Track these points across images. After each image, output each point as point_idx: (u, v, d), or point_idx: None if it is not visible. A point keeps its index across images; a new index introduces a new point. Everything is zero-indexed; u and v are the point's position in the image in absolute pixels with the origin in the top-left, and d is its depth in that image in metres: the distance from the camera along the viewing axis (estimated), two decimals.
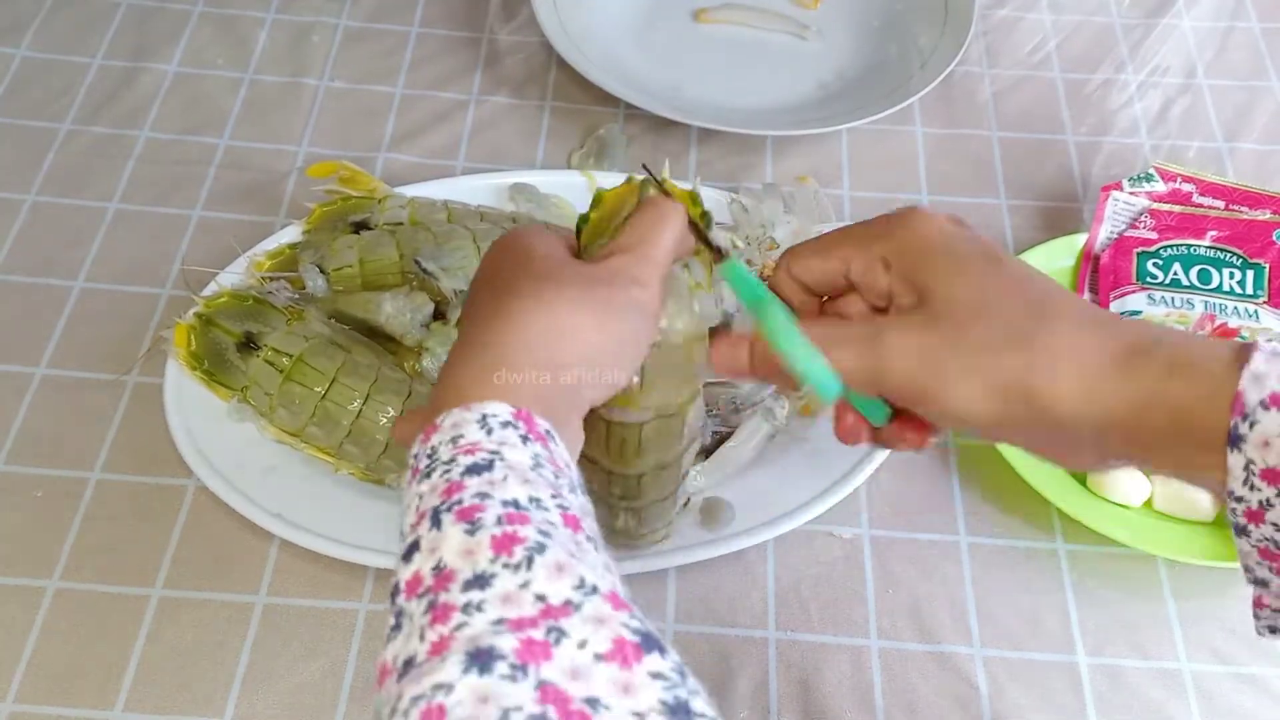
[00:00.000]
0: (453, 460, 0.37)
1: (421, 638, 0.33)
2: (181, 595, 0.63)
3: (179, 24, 0.93)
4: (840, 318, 0.46)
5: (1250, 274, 0.74)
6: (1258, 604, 0.40)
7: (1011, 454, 0.66)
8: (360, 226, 0.74)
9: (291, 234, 0.75)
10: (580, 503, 0.39)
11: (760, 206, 0.76)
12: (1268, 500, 0.37)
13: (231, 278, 0.71)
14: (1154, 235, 0.77)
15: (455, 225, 0.72)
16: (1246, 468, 0.37)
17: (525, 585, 0.33)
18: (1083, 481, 0.67)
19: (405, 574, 0.35)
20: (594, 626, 0.32)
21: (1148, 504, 0.66)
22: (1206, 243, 0.76)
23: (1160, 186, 0.80)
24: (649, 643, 0.32)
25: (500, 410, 0.39)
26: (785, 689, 0.61)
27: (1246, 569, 0.40)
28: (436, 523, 0.36)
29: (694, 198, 0.50)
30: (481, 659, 0.31)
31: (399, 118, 0.87)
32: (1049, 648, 0.63)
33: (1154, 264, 0.75)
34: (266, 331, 0.67)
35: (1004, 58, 0.94)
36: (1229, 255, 0.75)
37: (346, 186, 0.76)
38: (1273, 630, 0.41)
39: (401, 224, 0.73)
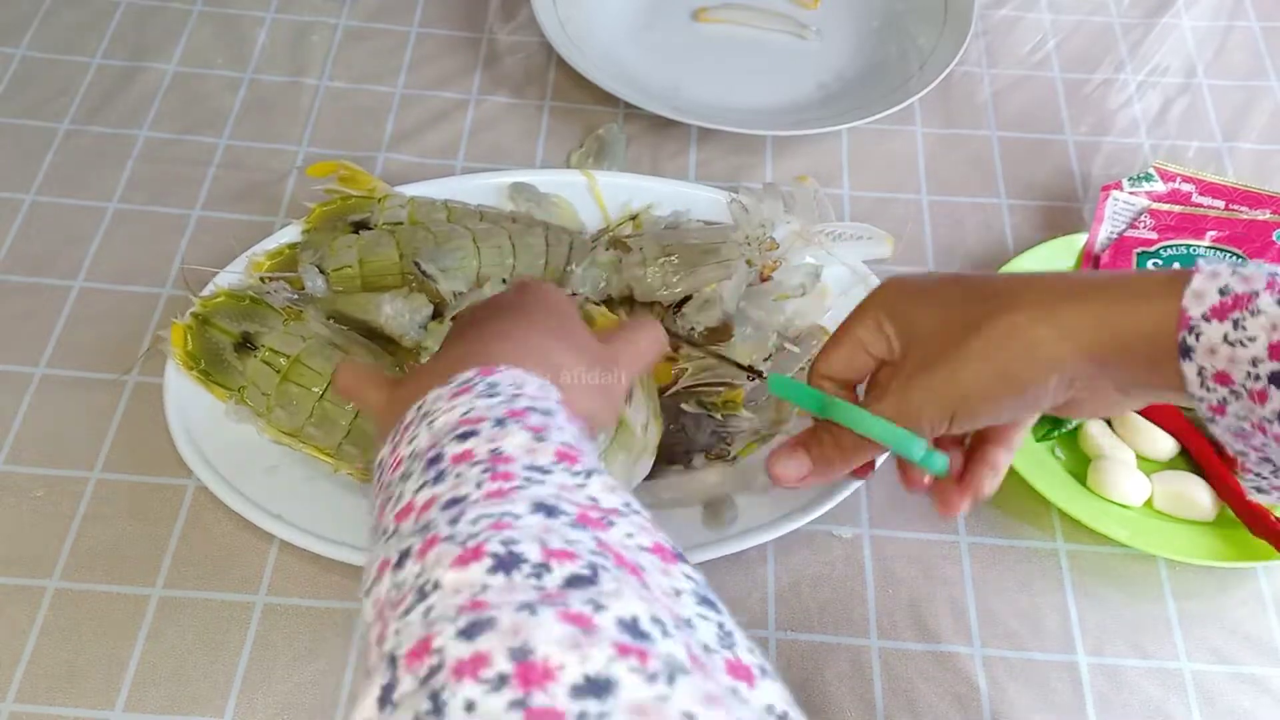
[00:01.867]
0: (517, 395, 0.40)
1: (478, 485, 0.35)
2: (181, 595, 0.63)
3: (179, 23, 0.93)
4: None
5: None
6: (1242, 468, 0.46)
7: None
8: (360, 226, 0.74)
9: (291, 234, 0.75)
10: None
11: (760, 206, 0.76)
12: (1223, 399, 0.42)
13: (231, 278, 0.71)
14: (1154, 235, 0.77)
15: (455, 225, 0.72)
16: (1200, 373, 0.42)
17: (581, 486, 0.36)
18: (1083, 481, 0.67)
19: (454, 449, 0.37)
20: (639, 528, 0.35)
21: (1148, 504, 0.66)
22: (1206, 243, 0.76)
23: (1160, 186, 0.80)
24: (683, 559, 0.35)
25: (555, 391, 0.43)
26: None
27: (1225, 444, 0.45)
28: (501, 425, 0.38)
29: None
30: (546, 508, 0.34)
31: (399, 117, 0.87)
32: (1049, 647, 0.63)
33: (1154, 264, 0.75)
34: (264, 332, 0.67)
35: (1003, 58, 0.94)
36: (1229, 255, 0.75)
37: (346, 186, 0.76)
38: (1259, 490, 0.47)
39: (401, 223, 0.73)
